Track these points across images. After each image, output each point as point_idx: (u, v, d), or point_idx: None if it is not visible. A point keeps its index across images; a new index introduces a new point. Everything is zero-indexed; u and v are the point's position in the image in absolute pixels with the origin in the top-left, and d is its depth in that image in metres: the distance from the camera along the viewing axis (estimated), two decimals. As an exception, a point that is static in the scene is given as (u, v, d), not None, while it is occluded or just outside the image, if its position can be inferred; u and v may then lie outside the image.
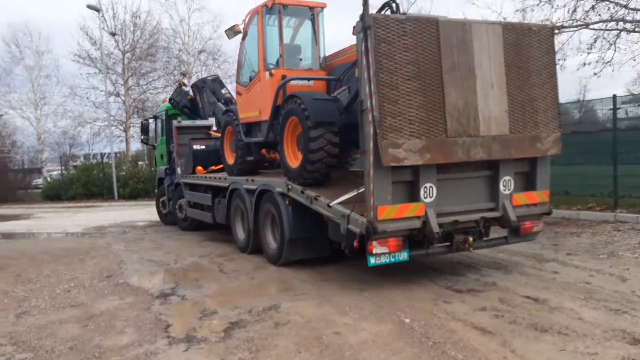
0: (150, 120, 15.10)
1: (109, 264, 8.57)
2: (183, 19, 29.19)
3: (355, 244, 5.95)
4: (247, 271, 7.63)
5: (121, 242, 11.11)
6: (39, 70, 32.91)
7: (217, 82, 12.99)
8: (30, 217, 19.32)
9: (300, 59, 8.22)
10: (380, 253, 5.84)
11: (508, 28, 6.28)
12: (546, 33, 6.52)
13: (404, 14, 6.40)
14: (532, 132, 6.34)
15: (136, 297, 6.43)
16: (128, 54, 28.51)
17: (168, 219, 13.71)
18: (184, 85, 13.54)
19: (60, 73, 36.77)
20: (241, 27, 8.72)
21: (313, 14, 8.24)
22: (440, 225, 5.96)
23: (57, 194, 26.46)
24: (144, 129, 15.14)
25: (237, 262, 8.31)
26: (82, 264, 8.63)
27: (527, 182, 6.67)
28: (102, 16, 26.39)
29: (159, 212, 14.25)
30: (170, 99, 13.51)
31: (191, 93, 13.14)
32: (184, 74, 27.17)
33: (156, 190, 14.75)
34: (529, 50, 6.31)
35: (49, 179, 29.83)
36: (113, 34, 27.40)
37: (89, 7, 24.23)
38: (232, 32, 8.77)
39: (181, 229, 12.64)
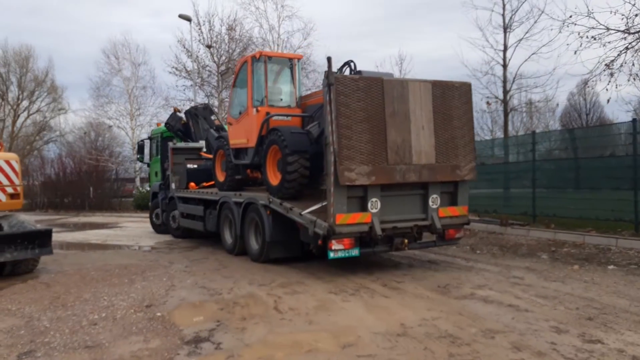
0: (146, 141, 16.98)
1: (157, 288, 7.84)
2: (273, 27, 27.93)
3: (320, 242, 7.99)
4: (307, 311, 6.37)
5: (184, 260, 10.59)
6: (135, 82, 33.80)
7: (208, 109, 14.98)
8: (115, 226, 19.90)
9: (281, 99, 10.28)
10: (337, 249, 7.87)
11: (436, 85, 8.47)
12: (465, 88, 8.75)
13: (359, 71, 8.61)
14: (453, 162, 8.50)
15: (164, 340, 5.42)
16: (222, 67, 27.35)
17: (161, 228, 15.53)
18: (178, 111, 15.50)
19: (155, 84, 37.09)
20: (233, 69, 10.81)
21: (292, 63, 10.36)
22: (383, 229, 8.02)
23: (147, 203, 27.73)
24: (140, 149, 17.06)
25: (298, 297, 7.13)
26: (130, 286, 8.02)
27: (451, 199, 8.80)
28: (200, 29, 26.80)
29: (152, 222, 16.09)
30: (165, 123, 15.46)
31: (184, 118, 15.09)
32: None
33: (150, 204, 16.59)
34: (451, 101, 8.51)
35: (141, 189, 31.03)
36: (209, 46, 27.14)
37: (181, 16, 24.84)
38: (227, 74, 10.83)
39: (173, 236, 14.48)
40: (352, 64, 8.81)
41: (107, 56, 33.71)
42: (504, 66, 19.36)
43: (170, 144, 14.31)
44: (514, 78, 19.73)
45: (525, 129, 34.71)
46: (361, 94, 7.77)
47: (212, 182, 12.52)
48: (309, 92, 10.23)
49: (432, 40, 55.49)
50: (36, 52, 40.59)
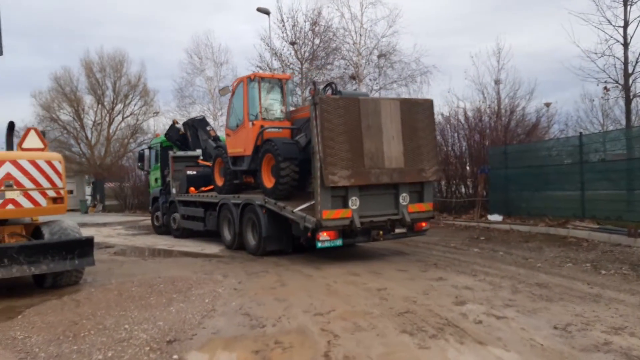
0: (146, 151, 18.46)
1: (193, 313, 6.63)
2: (355, 16, 25.77)
3: (309, 234, 9.62)
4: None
5: (241, 273, 9.45)
6: (218, 81, 33.13)
7: (204, 122, 16.49)
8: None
9: (273, 113, 11.89)
10: (324, 240, 9.48)
11: (403, 102, 10.17)
12: (428, 104, 10.46)
13: (340, 91, 10.29)
14: (419, 166, 10.18)
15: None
16: (307, 63, 26.33)
17: (161, 229, 17.01)
18: (177, 123, 17.02)
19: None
20: (230, 87, 12.43)
21: (282, 82, 11.99)
22: (362, 223, 9.65)
23: None
24: (140, 157, 18.53)
25: (360, 336, 5.51)
26: (165, 309, 6.87)
27: (418, 197, 10.48)
28: (283, 26, 25.89)
29: (153, 224, 17.56)
30: (165, 134, 16.97)
31: (182, 129, 16.60)
32: (353, 77, 25.49)
33: (150, 208, 18.06)
34: (416, 115, 10.19)
35: None
36: (293, 43, 26.02)
37: (259, 10, 24.32)
38: (225, 91, 12.47)
39: (174, 237, 15.97)
40: (333, 86, 10.51)
41: (190, 56, 33.55)
42: (625, 45, 16.56)
43: (171, 153, 15.81)
44: (638, 59, 16.63)
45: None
46: (341, 111, 9.41)
47: (211, 187, 14.04)
48: (296, 108, 11.85)
49: (533, 34, 54.08)
50: (129, 57, 41.91)
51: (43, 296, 8.07)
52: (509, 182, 15.79)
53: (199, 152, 15.87)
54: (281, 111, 11.94)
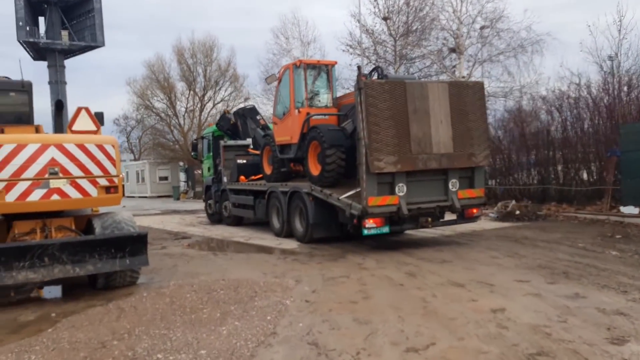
0: (199, 140, 18.90)
1: (247, 338, 5.22)
2: None
3: (355, 221, 9.50)
4: None
5: (318, 277, 7.95)
6: None
7: (254, 111, 16.65)
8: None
9: (319, 100, 11.80)
10: (370, 227, 9.34)
11: (452, 84, 9.82)
12: (479, 87, 10.05)
13: (386, 75, 10.04)
14: (469, 150, 9.82)
15: None
16: (400, 40, 24.20)
17: (214, 217, 17.39)
18: (228, 113, 17.28)
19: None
20: (277, 75, 12.43)
21: (327, 68, 11.86)
22: (409, 210, 9.43)
23: None
24: (194, 147, 19.00)
25: None
26: (215, 329, 5.55)
27: (469, 183, 10.12)
28: (375, 1, 24.01)
29: (207, 212, 18.00)
30: (217, 124, 17.29)
31: (233, 119, 16.83)
32: (453, 50, 23.36)
33: (204, 196, 18.50)
34: (466, 98, 9.82)
35: None
36: (385, 19, 24.02)
37: None
38: (272, 79, 12.49)
39: (226, 224, 16.27)
40: (379, 70, 10.27)
41: (277, 36, 32.19)
42: None
43: (222, 142, 16.08)
44: None
45: None
46: (387, 96, 9.19)
47: (260, 175, 14.16)
48: (343, 94, 11.72)
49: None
50: (219, 42, 42.47)
51: (91, 300, 7.08)
52: (648, 167, 13.09)
53: (249, 141, 16.03)
54: (328, 97, 11.83)
